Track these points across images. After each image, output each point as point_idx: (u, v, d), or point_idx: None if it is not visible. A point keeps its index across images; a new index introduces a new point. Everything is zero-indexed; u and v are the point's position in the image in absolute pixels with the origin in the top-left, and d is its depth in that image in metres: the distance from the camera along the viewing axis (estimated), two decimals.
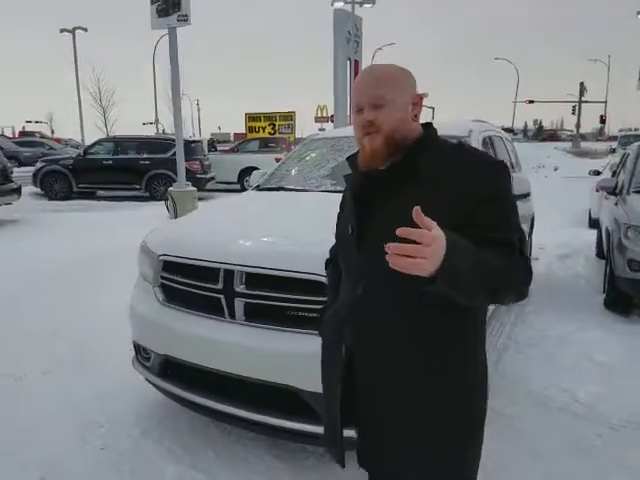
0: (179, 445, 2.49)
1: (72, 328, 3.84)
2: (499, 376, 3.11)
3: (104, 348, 3.44)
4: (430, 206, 1.05)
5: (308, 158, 3.69)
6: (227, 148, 18.29)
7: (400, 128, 1.23)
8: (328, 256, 1.59)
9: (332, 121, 19.16)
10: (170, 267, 2.44)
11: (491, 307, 3.16)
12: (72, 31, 24.86)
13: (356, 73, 13.55)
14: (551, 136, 63.19)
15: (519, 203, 4.00)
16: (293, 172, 3.56)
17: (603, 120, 43.04)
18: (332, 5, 14.73)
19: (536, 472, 2.24)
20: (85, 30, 25.25)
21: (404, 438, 1.26)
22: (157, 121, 32.29)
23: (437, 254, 0.93)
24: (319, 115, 25.74)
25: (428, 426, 1.23)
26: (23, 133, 35.99)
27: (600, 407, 2.76)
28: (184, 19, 8.48)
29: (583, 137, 45.74)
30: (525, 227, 4.50)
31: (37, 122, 45.33)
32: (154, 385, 2.56)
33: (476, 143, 3.38)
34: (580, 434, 2.52)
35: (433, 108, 42.50)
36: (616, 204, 4.92)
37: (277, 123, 22.17)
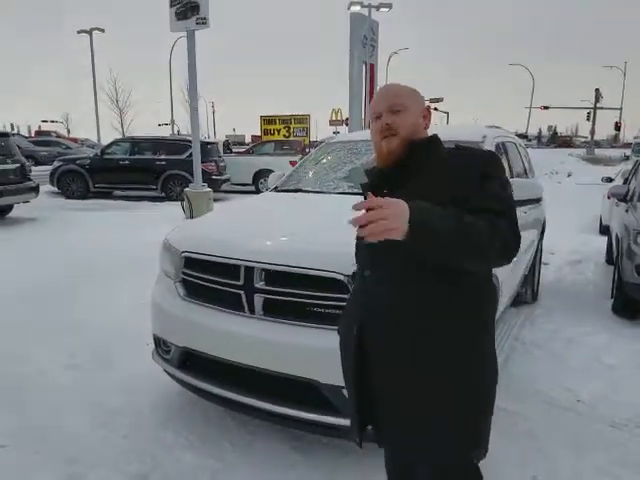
0: (197, 436, 2.59)
1: (93, 323, 3.98)
2: (506, 376, 3.18)
3: (125, 342, 3.57)
4: (431, 194, 1.25)
5: (325, 161, 3.79)
6: (242, 150, 18.46)
7: (414, 133, 1.41)
8: (348, 257, 1.70)
9: (347, 124, 19.26)
10: (191, 263, 2.56)
11: (499, 309, 3.24)
12: (89, 32, 25.25)
13: (371, 76, 13.65)
14: (565, 142, 62.67)
15: (533, 207, 4.05)
16: (310, 174, 3.67)
17: (618, 127, 42.66)
18: (349, 9, 14.83)
19: (539, 467, 2.32)
20: (102, 31, 25.63)
21: (414, 406, 1.36)
22: (173, 122, 32.64)
23: (394, 213, 1.06)
24: (334, 118, 25.84)
25: (437, 393, 1.34)
26: (39, 132, 36.55)
27: (603, 407, 2.84)
28: (203, 22, 8.63)
29: (598, 144, 45.33)
30: (536, 232, 4.56)
31: (53, 122, 46.00)
32: (173, 377, 2.67)
33: (490, 148, 3.46)
34: (583, 432, 2.60)
35: (447, 113, 42.53)
36: (627, 211, 4.97)
37: (292, 126, 22.32)
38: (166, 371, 2.72)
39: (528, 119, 56.53)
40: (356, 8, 14.87)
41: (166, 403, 2.90)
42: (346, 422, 1.76)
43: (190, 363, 2.57)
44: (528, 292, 4.71)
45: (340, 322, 1.63)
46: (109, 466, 2.36)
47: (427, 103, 1.51)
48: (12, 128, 49.93)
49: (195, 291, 2.57)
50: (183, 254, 2.59)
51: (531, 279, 4.71)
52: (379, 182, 1.40)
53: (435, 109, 39.45)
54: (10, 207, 9.57)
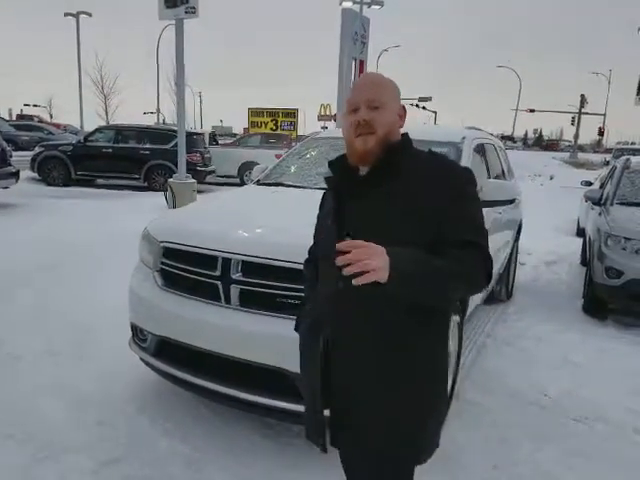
0: (172, 423, 2.63)
1: (70, 310, 3.98)
2: (476, 370, 3.30)
3: (103, 329, 3.58)
4: (406, 205, 1.26)
5: (308, 156, 3.84)
6: (229, 142, 18.38)
7: (391, 133, 1.34)
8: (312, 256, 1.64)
9: (335, 120, 19.28)
10: (170, 253, 2.59)
11: (473, 305, 3.34)
12: (76, 15, 24.86)
13: (361, 72, 13.70)
14: (550, 145, 63.48)
15: (508, 208, 4.13)
16: (293, 169, 3.71)
17: (601, 132, 43.42)
18: (340, 4, 14.83)
19: (500, 456, 2.42)
20: (89, 15, 25.27)
21: (375, 423, 1.34)
22: (158, 111, 32.33)
23: (377, 255, 1.06)
24: (322, 113, 25.82)
25: (395, 411, 1.32)
26: (21, 116, 35.82)
27: (567, 402, 2.96)
28: (192, 11, 8.54)
29: (581, 148, 46.07)
30: (511, 232, 4.67)
31: (35, 106, 45.10)
32: (149, 365, 2.71)
33: (468, 149, 3.54)
34: (545, 424, 2.72)
35: (435, 112, 42.69)
36: (599, 214, 5.11)
37: (279, 119, 22.28)
38: (142, 359, 2.75)
39: (514, 121, 57.24)
40: (348, 4, 14.86)
41: (143, 391, 2.93)
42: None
43: (166, 352, 2.60)
44: (502, 290, 4.83)
45: (302, 321, 1.54)
46: (81, 451, 2.39)
47: (415, 102, 1.43)
48: None
49: (173, 281, 2.60)
50: (162, 244, 2.62)
51: (506, 278, 4.83)
52: (350, 182, 1.35)
53: (423, 108, 39.58)
54: None
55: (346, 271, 1.05)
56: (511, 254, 4.86)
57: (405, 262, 1.10)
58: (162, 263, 2.64)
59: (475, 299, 3.38)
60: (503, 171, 4.83)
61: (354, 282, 1.05)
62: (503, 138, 44.32)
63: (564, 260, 6.68)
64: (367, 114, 1.31)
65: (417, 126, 4.52)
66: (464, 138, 3.64)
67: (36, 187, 12.14)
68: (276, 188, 3.40)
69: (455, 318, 2.72)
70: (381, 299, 1.22)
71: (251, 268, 2.31)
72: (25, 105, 45.20)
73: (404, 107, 1.40)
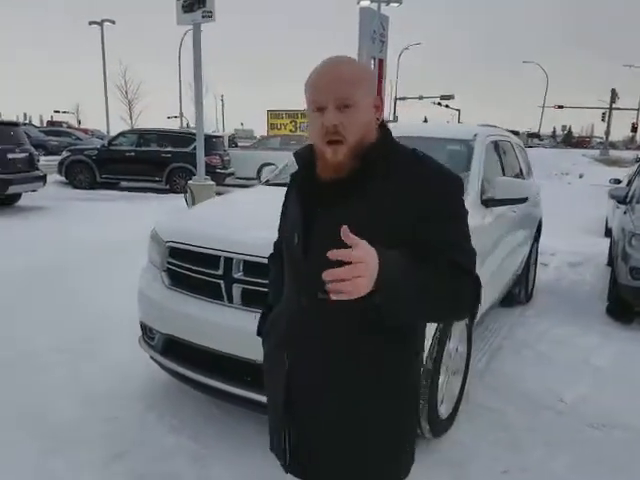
0: (180, 420, 2.64)
1: (88, 308, 4.05)
2: (490, 374, 3.21)
3: (118, 327, 3.62)
4: (379, 216, 1.07)
5: None
6: (248, 145, 18.52)
7: (366, 136, 1.10)
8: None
9: None
10: (176, 253, 2.60)
11: (486, 306, 3.25)
12: (100, 23, 25.38)
13: (379, 72, 13.58)
14: (580, 142, 61.91)
15: (525, 207, 4.05)
16: None
17: (634, 128, 42.11)
18: (358, 3, 14.74)
19: (511, 462, 2.34)
20: (113, 22, 25.75)
21: (337, 448, 1.21)
22: (181, 115, 32.77)
23: (371, 269, 0.89)
24: None
25: (360, 441, 1.20)
26: (51, 123, 36.87)
27: (583, 407, 2.85)
28: (209, 15, 8.64)
29: (613, 145, 44.80)
30: (528, 231, 4.55)
31: (65, 112, 46.27)
32: (157, 363, 2.72)
33: (480, 147, 3.46)
34: (560, 430, 2.62)
35: (459, 110, 42.20)
36: (625, 213, 4.94)
37: (299, 121, 22.28)
38: (151, 357, 2.77)
39: (541, 118, 56.22)
40: (366, 3, 14.73)
41: (153, 388, 2.95)
42: None
43: (173, 350, 2.61)
44: (521, 292, 4.70)
45: (267, 333, 1.39)
46: (88, 444, 2.42)
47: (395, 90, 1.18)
48: (25, 118, 50.44)
49: (179, 280, 2.61)
50: (168, 244, 2.63)
51: (524, 279, 4.70)
52: (321, 194, 1.14)
53: (446, 106, 39.10)
54: (18, 196, 9.70)
55: (332, 288, 0.87)
56: (529, 255, 4.74)
57: (393, 272, 0.93)
58: (168, 263, 2.65)
59: (487, 300, 3.29)
60: (520, 169, 4.71)
61: (333, 297, 0.88)
62: (529, 136, 43.41)
63: (590, 261, 6.47)
64: (336, 117, 1.06)
65: (427, 124, 4.45)
66: (476, 135, 3.56)
67: (63, 190, 12.45)
68: (284, 188, 3.37)
69: (464, 320, 2.65)
70: (348, 314, 1.08)
71: (252, 267, 2.29)
72: (55, 112, 46.45)
73: (381, 97, 1.17)
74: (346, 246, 1.01)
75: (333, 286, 0.87)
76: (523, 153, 5.12)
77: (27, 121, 44.98)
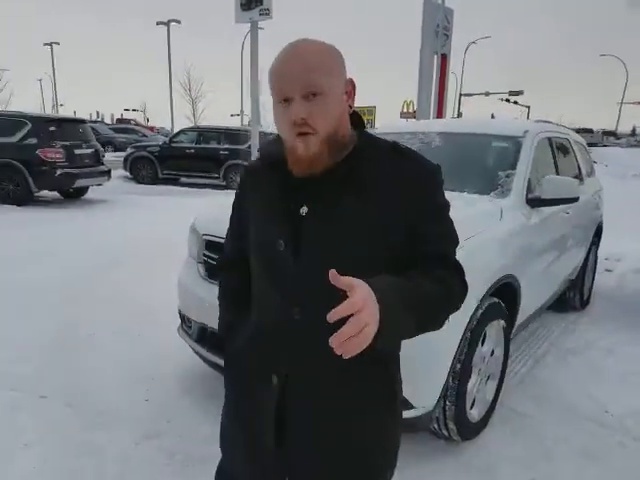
0: (215, 405, 2.70)
1: (142, 296, 4.26)
2: (531, 380, 3.08)
3: (167, 315, 3.77)
4: (372, 214, 1.01)
5: None
6: None
7: (340, 126, 1.01)
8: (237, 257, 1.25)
9: (415, 117, 18.83)
10: (211, 246, 2.67)
11: (530, 309, 3.12)
12: (167, 24, 26.43)
13: (442, 68, 13.28)
14: None
15: (583, 208, 3.86)
16: None
17: None
18: None
19: (541, 471, 2.24)
20: (179, 22, 26.75)
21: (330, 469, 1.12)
22: (242, 112, 33.55)
23: (374, 312, 0.82)
24: (405, 110, 25.21)
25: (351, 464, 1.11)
26: (120, 120, 38.78)
27: (631, 421, 2.67)
28: (266, 13, 8.82)
29: None
30: (586, 234, 4.31)
31: (134, 110, 48.61)
32: (193, 350, 2.81)
33: (529, 144, 3.32)
34: (599, 443, 2.47)
35: (528, 107, 40.53)
36: None
37: (364, 117, 22.12)
38: (189, 345, 2.86)
39: (618, 115, 52.72)
40: None
41: (191, 374, 3.06)
42: None
43: (206, 339, 2.69)
44: (576, 298, 4.47)
45: (236, 363, 1.21)
46: (127, 422, 2.55)
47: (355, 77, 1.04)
48: (97, 116, 53.38)
49: (213, 272, 2.68)
50: (204, 236, 2.71)
51: (580, 284, 4.46)
52: (300, 192, 1.04)
53: (515, 102, 37.69)
54: (85, 189, 10.31)
55: (344, 350, 0.80)
56: (586, 259, 4.49)
57: (394, 311, 0.86)
58: (204, 255, 2.73)
59: (531, 305, 3.16)
60: (579, 168, 4.47)
61: (345, 356, 0.81)
62: (605, 134, 40.86)
63: None
64: (303, 109, 0.96)
65: (473, 120, 4.30)
66: (527, 132, 3.41)
67: (127, 185, 13.10)
68: None
69: (501, 322, 2.56)
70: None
71: None
72: (125, 110, 48.88)
73: (352, 81, 1.05)
74: (339, 244, 1.00)
75: (343, 348, 0.79)
76: (583, 151, 4.87)
77: (99, 119, 47.56)
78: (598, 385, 3.05)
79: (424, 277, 0.97)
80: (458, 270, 1.06)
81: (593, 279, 4.91)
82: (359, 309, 0.79)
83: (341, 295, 0.81)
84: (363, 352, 0.83)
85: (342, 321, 0.83)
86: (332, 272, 0.80)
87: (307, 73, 0.95)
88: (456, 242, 1.09)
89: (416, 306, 0.92)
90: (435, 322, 1.01)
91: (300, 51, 0.98)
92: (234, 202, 1.25)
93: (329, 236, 1.01)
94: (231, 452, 1.26)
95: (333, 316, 0.78)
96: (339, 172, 1.02)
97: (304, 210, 1.03)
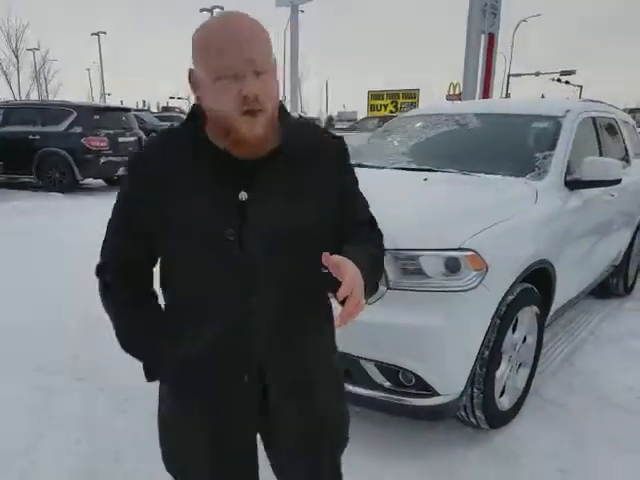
0: None
1: None
2: (566, 368, 3.01)
3: None
4: (313, 195, 1.03)
5: (391, 136, 3.75)
6: (345, 127, 18.47)
7: (276, 107, 0.99)
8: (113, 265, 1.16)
9: (461, 99, 18.30)
10: None
11: (567, 296, 3.03)
12: (211, 10, 26.73)
13: (489, 48, 12.84)
14: None
15: (627, 192, 3.72)
16: (372, 149, 3.66)
17: None
18: None
19: (569, 460, 2.20)
20: (222, 9, 26.99)
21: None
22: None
23: (361, 285, 0.92)
24: (451, 92, 24.60)
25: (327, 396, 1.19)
26: (165, 108, 39.59)
27: None
28: None
29: None
30: (631, 219, 4.13)
31: (179, 98, 49.45)
32: None
33: (570, 124, 3.20)
34: (633, 432, 2.40)
35: (581, 86, 38.61)
36: None
37: (400, 101, 21.73)
38: None
39: None
40: None
41: None
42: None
43: None
44: (619, 284, 4.30)
45: (192, 362, 1.09)
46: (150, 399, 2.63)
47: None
48: (144, 104, 54.76)
49: None
50: None
51: (624, 270, 4.29)
52: (230, 178, 0.98)
53: (567, 82, 36.09)
54: None
55: (345, 323, 0.89)
56: (632, 244, 4.30)
57: (369, 275, 0.98)
58: None
59: (569, 291, 3.07)
60: (626, 149, 4.27)
61: (344, 325, 0.90)
62: None
63: None
64: (255, 85, 0.91)
65: (519, 99, 4.16)
66: (568, 111, 3.29)
67: None
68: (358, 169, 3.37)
69: (534, 309, 2.50)
70: (295, 298, 1.06)
71: None
72: (170, 98, 49.83)
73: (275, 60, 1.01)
74: (286, 228, 0.99)
75: (344, 322, 0.89)
76: (632, 132, 4.63)
77: (145, 107, 48.74)
78: (636, 373, 2.94)
79: (370, 243, 1.11)
80: (377, 225, 1.18)
81: (639, 264, 4.70)
82: (352, 286, 0.88)
83: (294, 279, 1.02)
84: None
85: (299, 295, 1.04)
86: (325, 255, 0.88)
87: (254, 49, 0.91)
88: (367, 204, 1.19)
89: (377, 269, 1.10)
90: (380, 276, 1.17)
91: (244, 24, 0.92)
92: (123, 197, 1.07)
93: (276, 221, 0.99)
94: (189, 465, 1.20)
95: (344, 292, 0.87)
96: (276, 154, 0.99)
97: (243, 195, 0.98)
